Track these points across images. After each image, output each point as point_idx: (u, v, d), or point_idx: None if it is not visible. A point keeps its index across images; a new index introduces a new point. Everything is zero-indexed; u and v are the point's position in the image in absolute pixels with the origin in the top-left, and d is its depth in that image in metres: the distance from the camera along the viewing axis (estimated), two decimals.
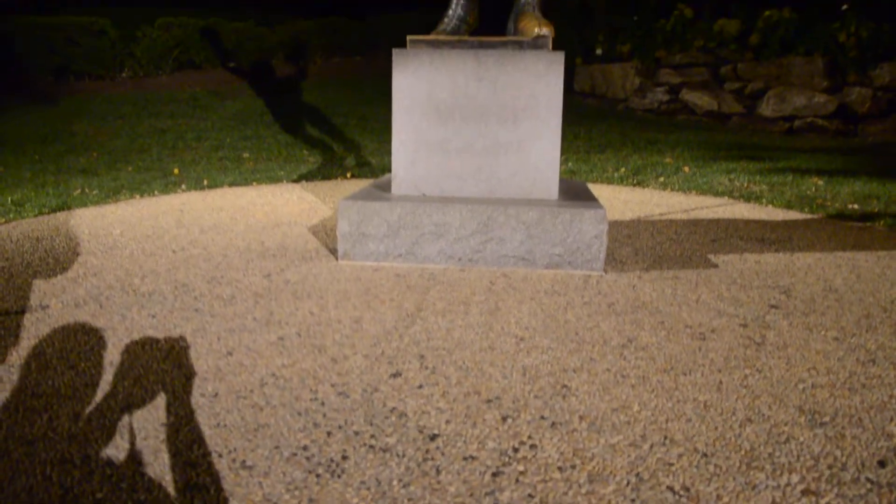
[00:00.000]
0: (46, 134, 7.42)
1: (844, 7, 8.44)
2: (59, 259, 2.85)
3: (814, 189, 4.84)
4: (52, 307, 2.23)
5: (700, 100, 8.71)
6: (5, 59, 9.58)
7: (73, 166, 5.80)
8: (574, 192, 2.94)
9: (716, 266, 2.81)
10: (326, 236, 3.24)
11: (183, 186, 4.79)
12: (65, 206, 4.11)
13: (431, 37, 2.78)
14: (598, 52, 9.61)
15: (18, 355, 1.84)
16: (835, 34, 8.12)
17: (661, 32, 9.05)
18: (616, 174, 5.27)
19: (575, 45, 10.00)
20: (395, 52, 2.71)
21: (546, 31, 2.68)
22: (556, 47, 10.77)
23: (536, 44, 2.68)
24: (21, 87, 9.47)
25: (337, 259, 2.77)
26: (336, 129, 7.40)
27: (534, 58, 2.64)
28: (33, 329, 2.04)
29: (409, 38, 2.76)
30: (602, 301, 2.31)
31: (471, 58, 2.66)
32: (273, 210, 3.92)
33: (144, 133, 7.42)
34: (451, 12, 3.00)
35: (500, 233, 2.60)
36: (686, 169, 5.45)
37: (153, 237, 3.25)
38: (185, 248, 3.02)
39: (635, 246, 3.12)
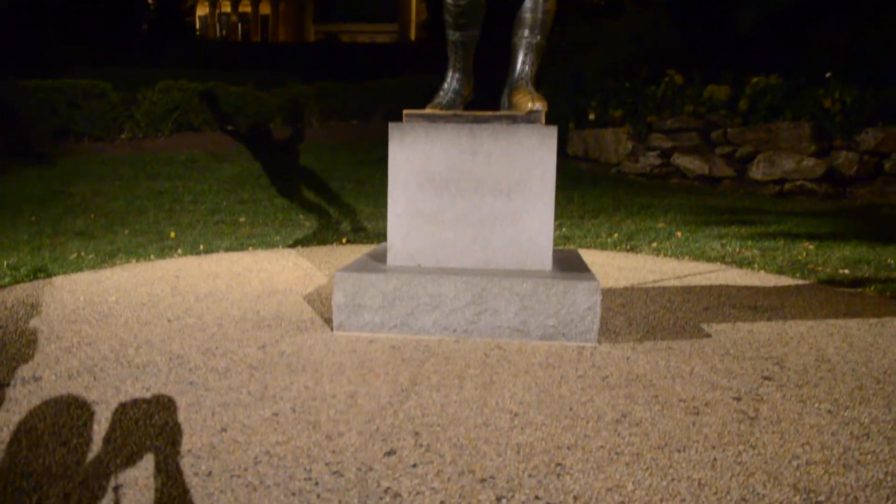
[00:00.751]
0: (45, 195, 7.48)
1: (828, 74, 8.66)
2: (54, 327, 2.85)
3: (805, 254, 4.89)
4: (44, 379, 2.23)
5: (691, 164, 8.85)
6: (8, 120, 9.72)
7: (71, 228, 5.83)
8: (568, 263, 2.97)
9: (709, 336, 2.82)
10: (322, 305, 3.25)
11: (179, 251, 4.82)
12: (61, 271, 4.13)
13: (427, 111, 2.85)
14: (591, 117, 9.80)
15: (8, 430, 1.83)
16: (820, 100, 8.31)
17: (652, 98, 9.24)
18: (610, 239, 5.32)
19: (568, 110, 10.20)
20: (391, 126, 2.78)
21: (539, 105, 2.75)
22: (550, 113, 10.89)
23: (530, 118, 2.75)
24: (22, 147, 9.57)
25: (332, 330, 2.78)
26: (332, 193, 7.48)
27: (527, 132, 2.71)
28: (25, 402, 2.03)
29: (405, 112, 2.83)
30: (596, 374, 2.32)
31: (466, 132, 2.73)
32: (269, 277, 3.94)
33: (142, 195, 7.48)
34: (446, 86, 3.09)
35: (495, 304, 2.62)
36: (679, 234, 5.51)
37: (148, 305, 3.26)
38: (180, 317, 3.02)
39: (629, 315, 3.14)
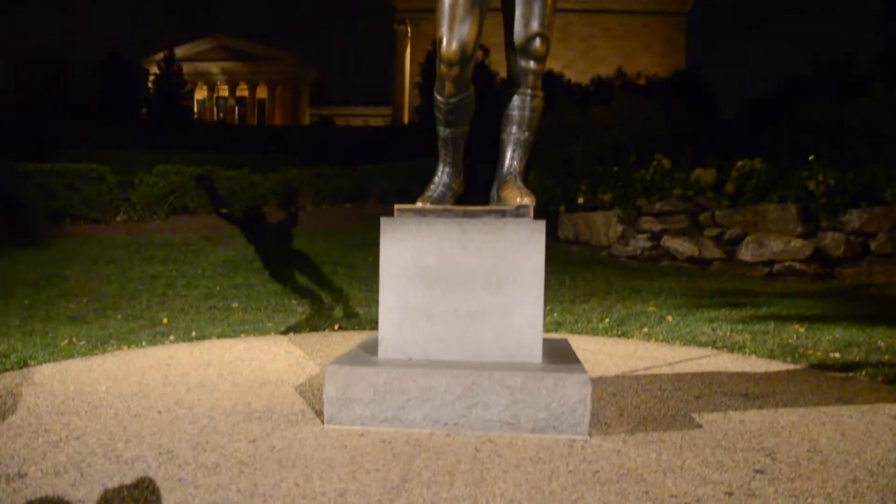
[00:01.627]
0: (38, 278, 7.50)
1: (811, 158, 8.90)
2: (42, 419, 2.83)
3: (795, 337, 4.91)
4: (30, 475, 2.20)
5: (681, 246, 8.97)
6: (6, 203, 9.82)
7: (63, 313, 5.84)
8: (558, 354, 2.99)
9: (700, 426, 2.82)
10: (313, 396, 3.24)
11: (171, 338, 4.82)
12: (52, 358, 4.12)
13: (418, 206, 2.93)
14: (581, 200, 9.97)
15: None
16: (804, 182, 8.50)
17: (641, 182, 9.44)
18: (601, 325, 5.34)
19: (558, 193, 10.39)
20: (382, 220, 2.84)
21: (528, 200, 2.84)
22: (541, 196, 11.02)
23: (518, 213, 2.83)
24: (18, 230, 9.64)
25: (323, 423, 2.77)
26: (325, 277, 7.52)
27: (516, 227, 2.78)
28: (9, 501, 2.00)
29: (396, 206, 2.91)
30: (587, 469, 2.31)
31: (455, 226, 2.80)
32: (260, 366, 3.93)
33: (135, 278, 7.50)
34: (437, 179, 3.18)
35: (486, 398, 2.63)
36: (669, 318, 5.54)
37: (139, 395, 3.24)
38: (170, 409, 3.01)
39: (620, 405, 3.14)
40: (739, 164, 9.11)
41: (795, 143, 10.30)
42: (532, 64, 3.02)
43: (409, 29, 53.75)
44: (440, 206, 2.91)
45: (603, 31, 52.00)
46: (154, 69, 43.53)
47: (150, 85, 42.12)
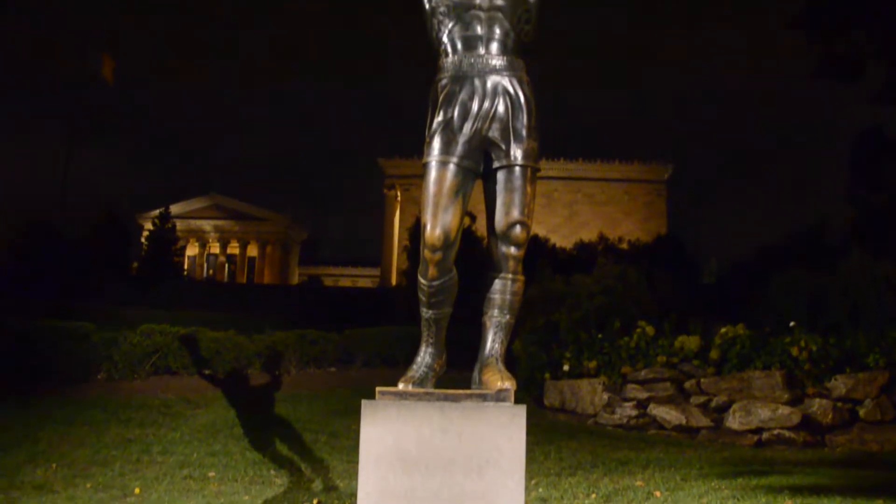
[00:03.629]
0: (8, 440, 7.26)
1: (792, 324, 9.03)
2: None
3: None
4: None
5: (668, 414, 8.86)
6: None
7: (29, 481, 5.62)
8: None
9: None
10: None
11: None
12: None
13: (399, 388, 2.96)
14: (566, 368, 9.94)
15: None
16: (787, 349, 8.57)
17: (625, 349, 9.47)
18: (587, 501, 5.19)
19: (543, 360, 10.39)
20: (364, 403, 2.86)
21: (508, 385, 2.88)
22: (525, 364, 10.91)
23: (499, 397, 2.86)
24: None
25: None
26: (305, 446, 7.34)
27: (496, 411, 2.80)
28: None
29: (378, 389, 2.93)
30: None
31: (436, 410, 2.81)
32: None
33: (110, 443, 7.29)
34: (419, 359, 3.22)
35: None
36: (658, 494, 5.41)
37: None
38: None
39: None
40: (723, 330, 9.20)
41: (775, 308, 10.50)
42: (513, 250, 3.15)
43: (398, 194, 55.96)
44: (421, 389, 2.94)
45: (586, 198, 54.30)
46: (148, 225, 44.63)
47: (143, 241, 43.04)
